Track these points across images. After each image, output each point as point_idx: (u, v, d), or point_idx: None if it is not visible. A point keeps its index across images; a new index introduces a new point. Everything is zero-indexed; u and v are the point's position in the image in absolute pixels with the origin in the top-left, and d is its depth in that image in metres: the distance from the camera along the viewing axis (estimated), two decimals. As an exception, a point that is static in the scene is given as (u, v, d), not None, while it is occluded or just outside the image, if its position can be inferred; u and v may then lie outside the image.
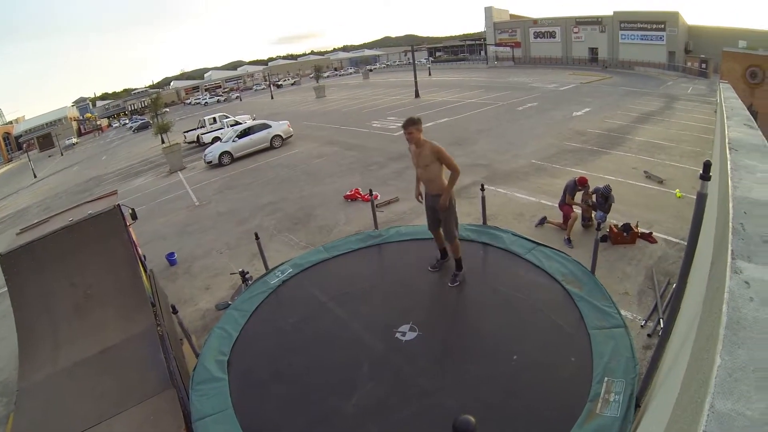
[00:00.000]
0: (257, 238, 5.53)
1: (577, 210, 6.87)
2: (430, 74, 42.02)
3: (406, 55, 65.91)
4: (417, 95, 26.15)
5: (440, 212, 4.45)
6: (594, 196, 6.76)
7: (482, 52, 55.34)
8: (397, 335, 3.64)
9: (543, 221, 7.13)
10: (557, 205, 7.00)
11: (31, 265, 5.39)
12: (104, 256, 5.93)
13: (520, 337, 3.58)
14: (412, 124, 4.29)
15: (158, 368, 4.11)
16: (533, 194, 8.59)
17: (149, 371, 4.13)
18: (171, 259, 8.24)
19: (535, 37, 47.23)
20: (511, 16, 51.53)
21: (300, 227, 8.47)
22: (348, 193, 9.63)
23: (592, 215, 6.81)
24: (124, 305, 5.35)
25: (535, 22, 47.37)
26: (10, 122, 61.52)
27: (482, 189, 5.44)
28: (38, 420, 4.13)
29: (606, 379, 2.90)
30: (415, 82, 26.95)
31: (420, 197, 4.75)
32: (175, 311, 4.27)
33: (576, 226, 6.80)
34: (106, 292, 5.61)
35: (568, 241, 6.45)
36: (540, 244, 4.78)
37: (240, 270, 5.68)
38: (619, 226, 6.31)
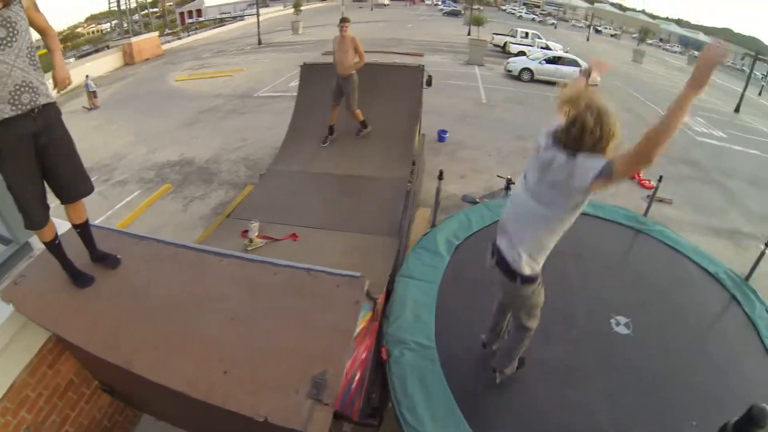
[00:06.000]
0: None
1: None
2: (760, 94, 29.10)
3: (743, 59, 44.95)
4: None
5: (344, 87, 5.76)
6: None
7: None
8: (612, 322, 3.18)
9: None
10: None
11: (323, 81, 6.02)
12: (392, 102, 6.35)
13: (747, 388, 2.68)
14: (347, 21, 5.85)
15: (393, 216, 4.23)
16: None
17: (384, 214, 4.30)
18: (442, 135, 8.66)
19: None
20: None
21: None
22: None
23: None
24: (391, 150, 5.72)
25: None
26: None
27: None
28: (264, 200, 4.84)
29: None
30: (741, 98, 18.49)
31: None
32: (441, 177, 4.30)
33: None
34: (381, 133, 6.10)
35: None
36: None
37: (508, 177, 5.63)
38: None
